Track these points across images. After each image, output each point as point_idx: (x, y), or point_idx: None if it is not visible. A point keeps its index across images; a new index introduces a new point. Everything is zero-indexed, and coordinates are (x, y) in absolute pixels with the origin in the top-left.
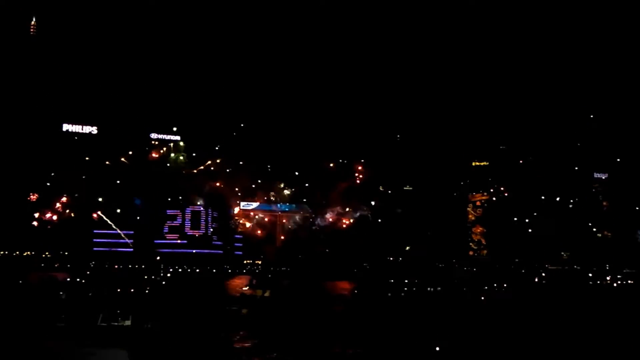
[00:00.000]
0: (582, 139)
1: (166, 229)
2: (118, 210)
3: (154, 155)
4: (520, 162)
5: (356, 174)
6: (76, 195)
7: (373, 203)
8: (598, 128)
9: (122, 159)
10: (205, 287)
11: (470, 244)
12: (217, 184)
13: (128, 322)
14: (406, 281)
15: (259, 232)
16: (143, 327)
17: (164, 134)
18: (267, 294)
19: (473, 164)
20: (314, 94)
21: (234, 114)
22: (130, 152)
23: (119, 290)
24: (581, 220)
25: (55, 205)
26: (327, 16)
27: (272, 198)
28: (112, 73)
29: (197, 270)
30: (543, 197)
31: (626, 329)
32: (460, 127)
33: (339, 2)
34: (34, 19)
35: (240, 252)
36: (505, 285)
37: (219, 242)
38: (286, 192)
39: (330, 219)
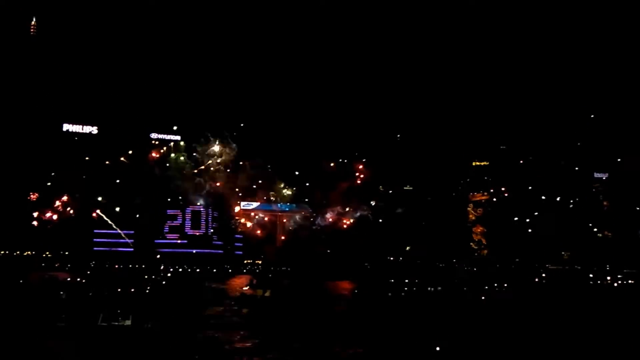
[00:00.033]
0: (583, 139)
1: (166, 229)
2: (117, 209)
3: (154, 155)
4: (521, 161)
5: (357, 174)
6: (77, 195)
7: (373, 203)
8: (598, 127)
9: (122, 159)
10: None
11: (471, 243)
12: (218, 184)
13: (128, 322)
14: (406, 281)
15: (259, 231)
16: (143, 327)
17: (164, 133)
18: (267, 294)
19: (473, 163)
20: (314, 94)
21: (234, 113)
22: (131, 152)
23: (119, 290)
24: (582, 220)
25: (56, 205)
26: (327, 16)
27: (272, 198)
28: (112, 73)
29: (198, 270)
30: (543, 197)
31: (627, 329)
32: (460, 127)
33: (339, 2)
34: (34, 19)
35: (241, 252)
36: (505, 285)
37: (219, 242)
38: (286, 192)
39: (331, 219)
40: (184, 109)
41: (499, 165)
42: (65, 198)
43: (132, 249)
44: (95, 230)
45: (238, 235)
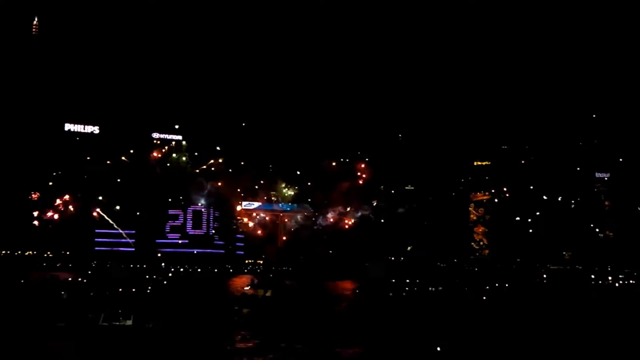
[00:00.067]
0: (584, 139)
1: (168, 229)
2: (117, 207)
3: (156, 154)
4: (522, 161)
5: (358, 174)
6: (78, 195)
7: (375, 203)
8: (600, 128)
9: (124, 159)
10: (206, 287)
11: (472, 243)
12: (219, 184)
13: (129, 322)
14: (407, 281)
15: (260, 231)
16: (144, 327)
17: (165, 133)
18: (268, 294)
19: (475, 163)
20: (315, 94)
21: (235, 113)
22: (132, 152)
23: (120, 289)
24: (583, 220)
25: (57, 204)
26: (328, 17)
27: (273, 198)
28: (114, 73)
29: (199, 270)
30: (545, 197)
31: (627, 329)
32: (461, 127)
33: (339, 3)
34: (36, 19)
35: (242, 252)
36: (507, 285)
37: (221, 242)
38: (288, 191)
39: (332, 219)
40: (185, 109)
41: (500, 165)
42: (67, 197)
43: (133, 249)
44: (96, 230)
45: (239, 235)
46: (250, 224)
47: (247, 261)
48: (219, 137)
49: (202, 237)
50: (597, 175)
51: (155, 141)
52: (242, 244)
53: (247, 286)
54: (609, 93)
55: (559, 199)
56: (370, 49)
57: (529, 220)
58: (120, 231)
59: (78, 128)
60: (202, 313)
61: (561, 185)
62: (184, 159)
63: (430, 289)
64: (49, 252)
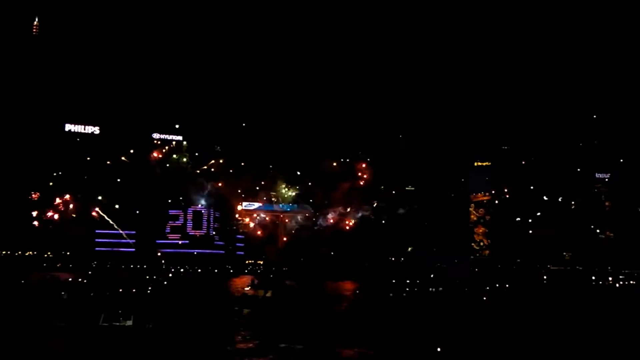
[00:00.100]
0: (584, 139)
1: (168, 229)
2: (117, 206)
3: (156, 155)
4: (522, 162)
5: (358, 174)
6: (78, 195)
7: (375, 203)
8: (600, 128)
9: (124, 159)
10: (207, 287)
11: (472, 244)
12: (219, 184)
13: (129, 322)
14: (408, 281)
15: (260, 232)
16: (144, 327)
17: (166, 133)
18: (269, 295)
19: (475, 164)
20: (315, 94)
21: (235, 113)
22: (132, 152)
23: (120, 290)
24: (583, 221)
25: (58, 205)
26: (328, 17)
27: (273, 199)
28: (114, 73)
29: (199, 270)
30: (545, 198)
31: (628, 329)
32: (462, 128)
33: (340, 3)
34: (36, 20)
35: (242, 252)
36: (507, 285)
37: (221, 242)
38: (288, 192)
39: (332, 220)
40: (185, 109)
41: (500, 165)
42: (67, 197)
43: (133, 249)
44: (97, 231)
45: (240, 236)
46: (251, 225)
47: (247, 262)
48: (219, 137)
49: (203, 237)
50: (598, 175)
51: (155, 141)
52: (242, 245)
53: (248, 287)
54: (609, 94)
55: (560, 199)
56: (370, 50)
57: (530, 220)
58: (121, 231)
59: (78, 128)
60: (202, 313)
61: (561, 186)
62: (184, 159)
63: (430, 289)
64: (49, 253)
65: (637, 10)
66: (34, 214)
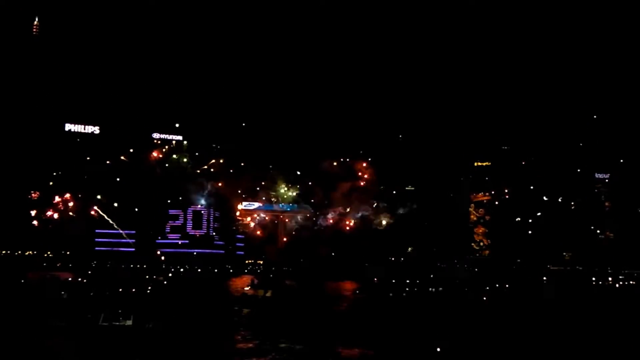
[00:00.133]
0: (584, 140)
1: (168, 229)
2: (117, 206)
3: (156, 155)
4: (523, 162)
5: (359, 174)
6: (78, 195)
7: (375, 204)
8: (600, 128)
9: (124, 159)
10: (206, 287)
11: (472, 244)
12: (219, 184)
13: (129, 322)
14: (408, 281)
15: (260, 232)
16: (144, 327)
17: (166, 133)
18: (268, 294)
19: (475, 164)
20: (315, 94)
21: (235, 113)
22: (132, 152)
23: (120, 289)
24: (583, 221)
25: (58, 205)
26: (328, 17)
27: (273, 199)
28: (114, 73)
29: (199, 270)
30: (545, 198)
31: (628, 330)
32: (462, 128)
33: (340, 3)
34: (36, 20)
35: (242, 252)
36: (507, 285)
37: (221, 242)
38: (288, 192)
39: (332, 220)
40: (185, 109)
41: (501, 165)
42: (67, 196)
43: (133, 249)
44: (96, 230)
45: (239, 236)
46: (251, 225)
47: (247, 261)
48: (220, 137)
49: (203, 237)
50: (597, 176)
51: (155, 141)
52: (242, 245)
53: (248, 286)
54: (610, 94)
55: (559, 199)
56: (370, 50)
57: (530, 221)
58: (121, 231)
59: (78, 128)
60: (202, 313)
61: (561, 186)
62: (184, 159)
63: (430, 289)
64: (49, 252)
65: (637, 10)
66: (34, 213)
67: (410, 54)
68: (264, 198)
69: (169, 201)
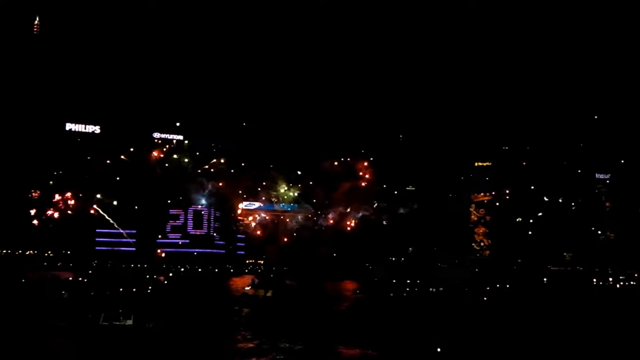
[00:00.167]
0: (585, 140)
1: (169, 229)
2: (119, 209)
3: (157, 154)
4: (523, 162)
5: (359, 174)
6: (79, 194)
7: (376, 203)
8: (601, 129)
9: (125, 158)
10: (207, 287)
11: (473, 244)
12: (220, 184)
13: (129, 322)
14: (408, 281)
15: (261, 232)
16: (144, 327)
17: (166, 133)
18: (269, 294)
19: (476, 164)
20: (316, 94)
21: (236, 113)
22: (133, 152)
23: (121, 289)
24: (584, 221)
25: (58, 204)
26: (328, 17)
27: (273, 199)
28: (115, 73)
29: (200, 270)
30: (546, 198)
31: (628, 330)
32: (463, 128)
33: (340, 3)
34: (37, 19)
35: (243, 252)
36: (507, 285)
37: (222, 242)
38: (289, 192)
39: (332, 220)
40: (186, 108)
41: (501, 166)
42: (68, 195)
43: (134, 249)
44: (97, 230)
45: (240, 235)
46: (252, 224)
47: (247, 261)
48: (220, 136)
49: (203, 237)
50: (598, 176)
51: (156, 140)
52: (242, 244)
53: (248, 286)
54: (610, 94)
55: (560, 200)
56: (371, 50)
57: (530, 221)
58: (121, 231)
59: (79, 128)
60: (202, 313)
61: (562, 187)
62: (185, 159)
63: (430, 289)
64: (49, 252)
65: (637, 11)
66: (34, 212)
67: (411, 54)
68: (264, 198)
69: (169, 201)
